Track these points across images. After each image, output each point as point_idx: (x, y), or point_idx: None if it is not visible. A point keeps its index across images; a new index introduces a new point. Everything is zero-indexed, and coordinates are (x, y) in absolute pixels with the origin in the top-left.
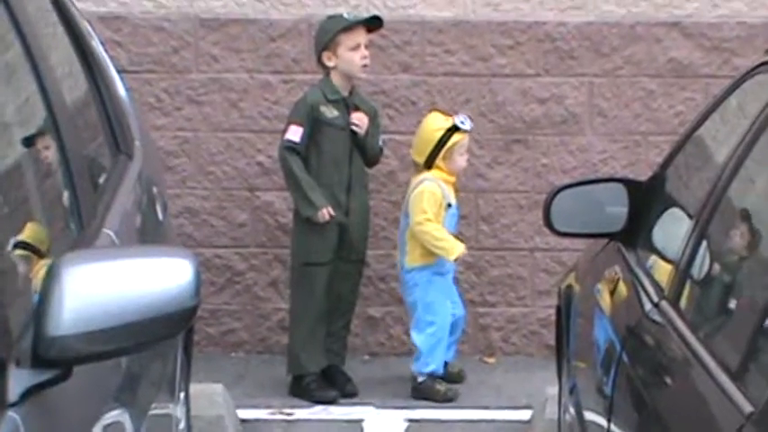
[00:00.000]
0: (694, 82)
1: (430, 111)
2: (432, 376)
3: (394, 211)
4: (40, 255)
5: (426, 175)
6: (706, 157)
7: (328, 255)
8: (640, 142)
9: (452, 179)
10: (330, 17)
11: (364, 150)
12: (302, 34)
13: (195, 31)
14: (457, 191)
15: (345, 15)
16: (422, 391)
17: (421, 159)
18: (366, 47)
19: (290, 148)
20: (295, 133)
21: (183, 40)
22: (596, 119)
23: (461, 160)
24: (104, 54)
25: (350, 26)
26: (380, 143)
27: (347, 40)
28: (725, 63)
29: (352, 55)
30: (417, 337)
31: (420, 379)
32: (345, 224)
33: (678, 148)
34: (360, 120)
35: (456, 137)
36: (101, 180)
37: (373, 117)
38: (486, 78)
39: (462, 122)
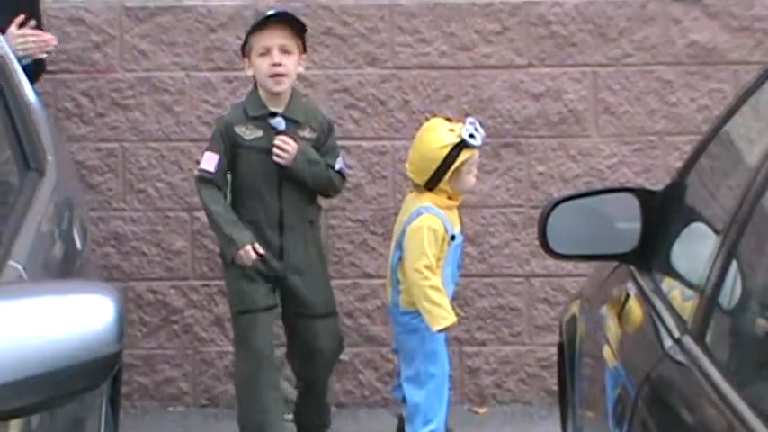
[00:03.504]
0: (721, 70)
1: (430, 118)
2: None
3: (361, 232)
4: None
5: (426, 203)
6: (735, 159)
7: (268, 298)
8: (656, 144)
9: (456, 203)
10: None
11: (300, 180)
12: (247, 23)
13: (120, 23)
14: (460, 213)
15: (269, 12)
16: None
17: (421, 180)
18: (286, 52)
19: (204, 179)
20: (209, 161)
21: (106, 34)
22: (602, 117)
23: (470, 178)
24: (9, 52)
25: (258, 26)
26: (339, 165)
27: (257, 43)
28: (757, 46)
29: (261, 62)
30: (416, 393)
31: None
32: (281, 270)
33: (701, 150)
34: (283, 144)
35: (465, 154)
36: (6, 202)
37: (327, 133)
38: (468, 71)
39: (472, 136)
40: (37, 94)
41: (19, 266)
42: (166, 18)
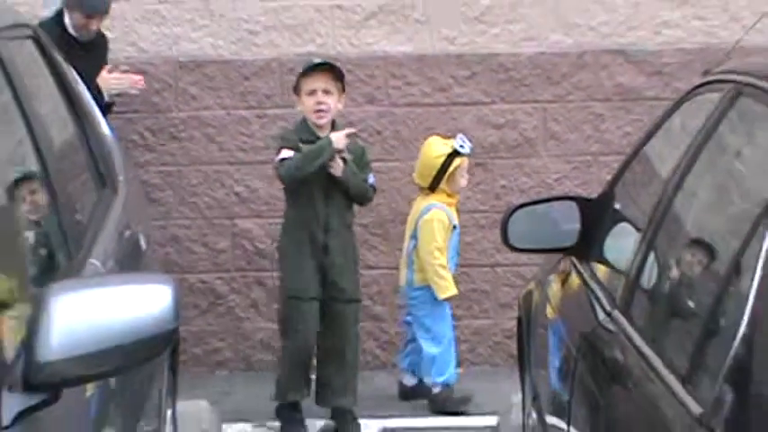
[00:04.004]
0: (639, 105)
1: (429, 136)
2: (447, 385)
3: (364, 234)
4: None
5: (433, 201)
6: (651, 173)
7: (313, 290)
8: (591, 162)
9: (455, 200)
10: (305, 63)
11: (346, 190)
12: (273, 72)
13: (175, 73)
14: (458, 210)
15: (316, 60)
16: (439, 402)
17: (425, 184)
18: (327, 93)
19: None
20: (286, 154)
21: (164, 82)
22: (549, 142)
23: (462, 181)
24: (89, 97)
25: (307, 71)
26: (371, 180)
27: (305, 85)
28: (666, 86)
29: (308, 100)
30: (432, 348)
31: (436, 390)
32: (325, 263)
33: (625, 167)
34: (335, 163)
35: (456, 161)
36: (87, 213)
37: (361, 155)
38: (445, 108)
39: (461, 146)
40: (111, 128)
41: (98, 263)
42: (211, 69)
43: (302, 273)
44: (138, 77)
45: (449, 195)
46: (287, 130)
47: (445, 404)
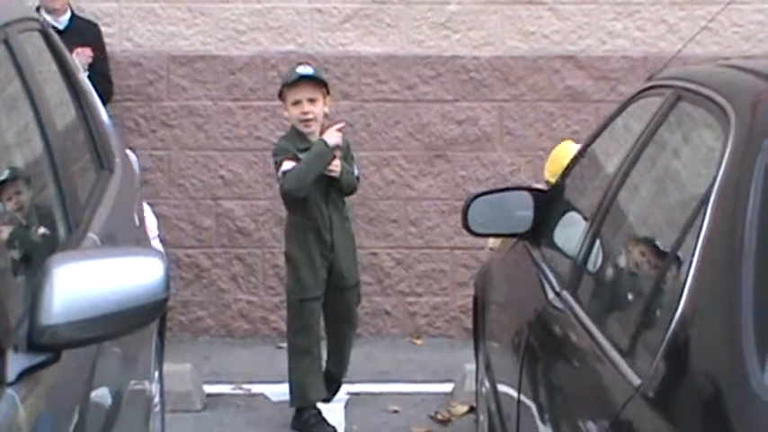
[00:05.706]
0: (587, 106)
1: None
2: None
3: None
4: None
5: None
6: (598, 168)
7: (322, 287)
8: (543, 157)
9: None
10: (288, 71)
11: (341, 187)
12: (258, 67)
13: (167, 66)
14: None
15: (298, 70)
16: None
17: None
18: (312, 101)
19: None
20: (289, 165)
21: (157, 74)
22: (505, 137)
23: None
24: (90, 86)
25: (292, 82)
26: (357, 172)
27: (290, 96)
28: (612, 90)
29: (293, 110)
30: None
31: None
32: (331, 258)
33: (574, 162)
34: (334, 165)
35: None
36: (87, 191)
37: (346, 150)
38: (412, 104)
39: None
40: (110, 116)
41: (95, 237)
42: (200, 63)
43: (314, 275)
44: (88, 53)
45: None
46: (281, 140)
47: None
